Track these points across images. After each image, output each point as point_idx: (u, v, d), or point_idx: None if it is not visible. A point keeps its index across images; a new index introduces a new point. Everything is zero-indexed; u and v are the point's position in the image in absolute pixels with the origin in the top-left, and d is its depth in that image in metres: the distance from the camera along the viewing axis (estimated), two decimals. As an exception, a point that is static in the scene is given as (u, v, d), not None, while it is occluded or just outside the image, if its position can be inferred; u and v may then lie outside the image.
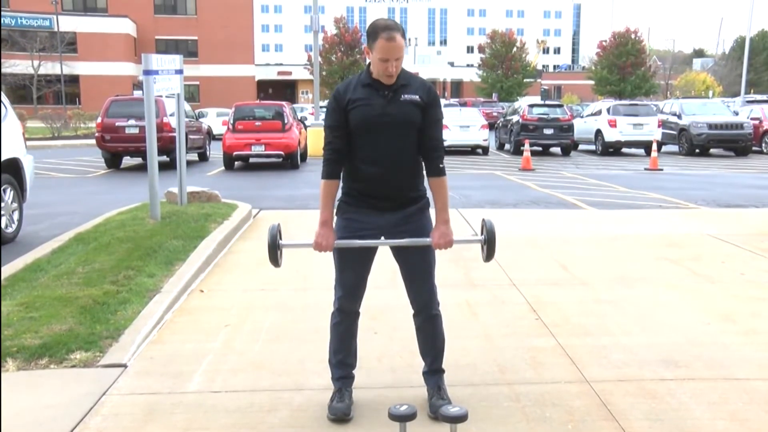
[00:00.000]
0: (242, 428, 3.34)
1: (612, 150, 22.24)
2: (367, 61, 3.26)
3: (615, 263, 6.78)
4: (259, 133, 17.27)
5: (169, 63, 8.75)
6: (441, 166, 3.32)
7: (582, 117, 24.72)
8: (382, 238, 3.34)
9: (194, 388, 3.82)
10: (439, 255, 3.47)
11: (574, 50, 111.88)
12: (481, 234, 3.39)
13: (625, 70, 59.63)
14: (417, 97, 3.25)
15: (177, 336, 4.68)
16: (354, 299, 3.46)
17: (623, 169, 17.75)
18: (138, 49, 53.70)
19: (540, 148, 22.04)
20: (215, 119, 29.95)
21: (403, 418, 2.76)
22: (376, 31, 3.15)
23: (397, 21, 3.29)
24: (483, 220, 3.44)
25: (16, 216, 8.32)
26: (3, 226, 7.91)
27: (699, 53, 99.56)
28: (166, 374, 3.99)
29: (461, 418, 2.73)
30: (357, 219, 3.34)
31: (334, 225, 3.35)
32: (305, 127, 21.06)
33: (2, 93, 8.46)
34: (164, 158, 15.11)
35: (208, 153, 20.44)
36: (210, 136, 21.55)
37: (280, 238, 3.35)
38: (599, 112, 23.07)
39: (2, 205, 7.90)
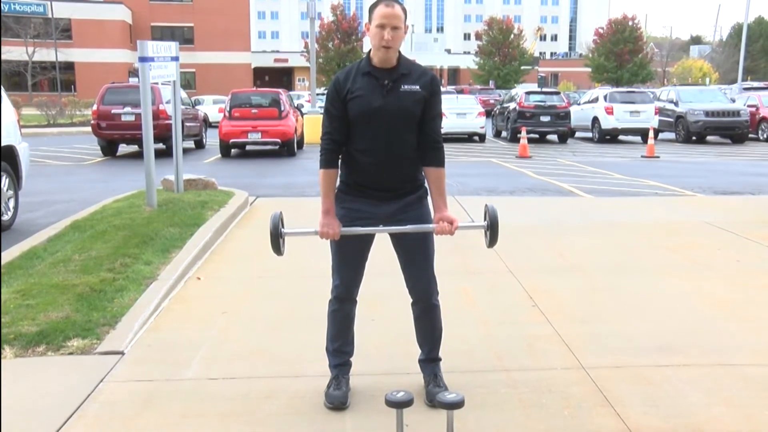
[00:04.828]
0: (240, 415, 3.35)
1: (609, 137, 22.22)
2: (365, 48, 3.25)
3: (611, 251, 6.79)
4: (255, 121, 17.23)
5: (165, 50, 8.71)
6: (440, 156, 3.30)
7: (579, 104, 24.67)
8: (381, 227, 3.33)
9: (191, 375, 3.83)
10: (437, 243, 3.46)
11: (572, 37, 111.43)
12: (484, 219, 3.36)
13: (622, 57, 59.48)
14: (417, 87, 3.21)
15: (174, 324, 4.68)
16: (351, 288, 3.46)
17: (620, 156, 17.75)
18: (133, 36, 53.44)
19: (537, 136, 22.01)
20: (212, 106, 29.82)
21: (400, 405, 2.77)
22: (376, 2, 3.17)
23: None
24: (486, 205, 3.38)
25: (12, 204, 8.30)
26: (-1, 213, 7.89)
27: (696, 40, 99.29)
28: (164, 362, 4.00)
29: (458, 405, 2.73)
30: (355, 208, 3.32)
31: None
32: (302, 114, 21.00)
33: (-3, 80, 8.41)
34: (160, 146, 15.06)
35: (204, 140, 20.38)
36: (206, 123, 21.47)
37: (282, 226, 3.32)
38: (596, 100, 23.02)
39: (-2, 192, 7.88)
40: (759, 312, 4.88)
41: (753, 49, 61.10)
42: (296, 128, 18.15)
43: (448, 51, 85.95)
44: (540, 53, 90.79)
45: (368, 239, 3.40)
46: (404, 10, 3.17)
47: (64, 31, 50.82)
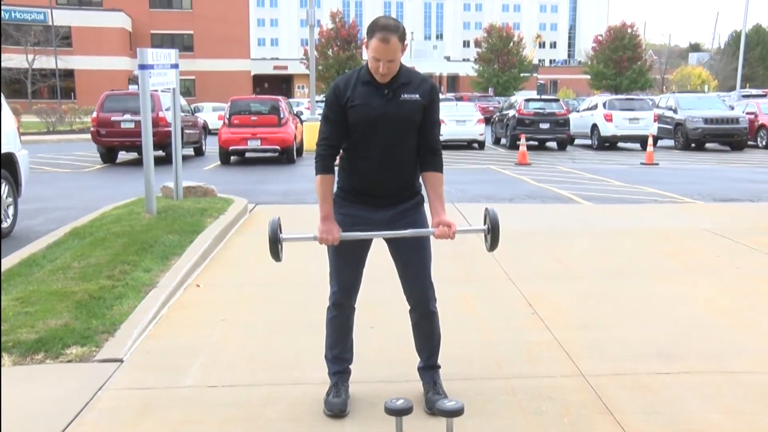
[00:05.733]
0: (239, 422, 3.35)
1: (608, 144, 22.25)
2: (364, 56, 3.24)
3: (610, 257, 6.79)
4: (255, 128, 17.26)
5: (165, 57, 8.73)
6: (439, 162, 3.31)
7: (578, 111, 24.71)
8: (380, 231, 3.32)
9: (191, 382, 3.82)
10: (435, 249, 3.46)
11: (570, 45, 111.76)
12: (485, 224, 3.36)
13: (621, 64, 59.61)
14: (417, 95, 3.21)
15: (173, 331, 4.68)
16: (350, 294, 3.45)
17: (619, 163, 17.76)
18: (133, 43, 53.56)
19: (536, 143, 22.04)
20: (211, 114, 29.89)
21: (399, 413, 2.77)
22: (373, 29, 3.11)
23: (397, 19, 3.23)
24: (486, 209, 3.38)
25: (11, 211, 8.29)
26: (-2, 221, 7.89)
27: (695, 48, 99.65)
28: (163, 369, 3.99)
29: (457, 412, 2.73)
30: (352, 214, 3.32)
31: None
32: (301, 121, 21.03)
33: (-3, 87, 8.43)
34: (160, 153, 15.07)
35: (204, 148, 20.40)
36: (206, 130, 21.50)
37: (281, 232, 3.32)
38: (595, 107, 23.06)
39: (-3, 199, 7.88)
40: (759, 318, 4.88)
41: (751, 56, 61.30)
42: (295, 135, 18.18)
43: (448, 58, 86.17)
44: (539, 60, 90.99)
45: (366, 244, 3.40)
46: (401, 38, 3.11)
47: (64, 38, 50.92)
